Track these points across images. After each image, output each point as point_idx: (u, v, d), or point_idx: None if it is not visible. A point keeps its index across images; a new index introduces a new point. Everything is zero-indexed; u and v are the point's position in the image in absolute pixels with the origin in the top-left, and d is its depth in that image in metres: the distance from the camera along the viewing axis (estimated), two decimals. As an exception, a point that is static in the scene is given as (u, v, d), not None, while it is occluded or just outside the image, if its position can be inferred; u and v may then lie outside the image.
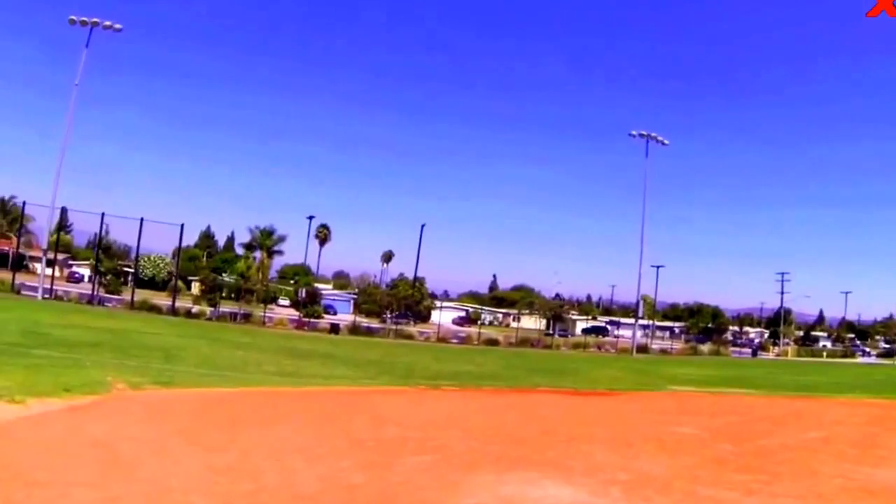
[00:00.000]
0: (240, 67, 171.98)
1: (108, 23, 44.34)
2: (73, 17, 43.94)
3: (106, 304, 44.56)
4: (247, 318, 46.20)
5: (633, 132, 57.34)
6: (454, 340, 50.50)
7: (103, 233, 59.38)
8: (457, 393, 16.24)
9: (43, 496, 5.54)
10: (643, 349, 57.56)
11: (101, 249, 59.12)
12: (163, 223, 49.77)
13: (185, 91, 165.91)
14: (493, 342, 50.67)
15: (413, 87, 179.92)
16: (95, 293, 45.50)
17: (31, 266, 60.71)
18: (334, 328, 46.51)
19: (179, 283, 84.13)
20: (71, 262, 72.35)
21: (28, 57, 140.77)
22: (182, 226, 46.37)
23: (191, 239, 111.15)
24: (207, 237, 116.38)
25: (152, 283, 63.73)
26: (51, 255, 46.83)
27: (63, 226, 71.22)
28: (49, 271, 46.15)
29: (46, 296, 41.87)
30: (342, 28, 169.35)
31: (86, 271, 68.54)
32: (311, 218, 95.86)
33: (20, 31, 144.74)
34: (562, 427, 12.19)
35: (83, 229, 79.38)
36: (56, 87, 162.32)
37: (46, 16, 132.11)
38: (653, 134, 57.07)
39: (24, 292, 41.94)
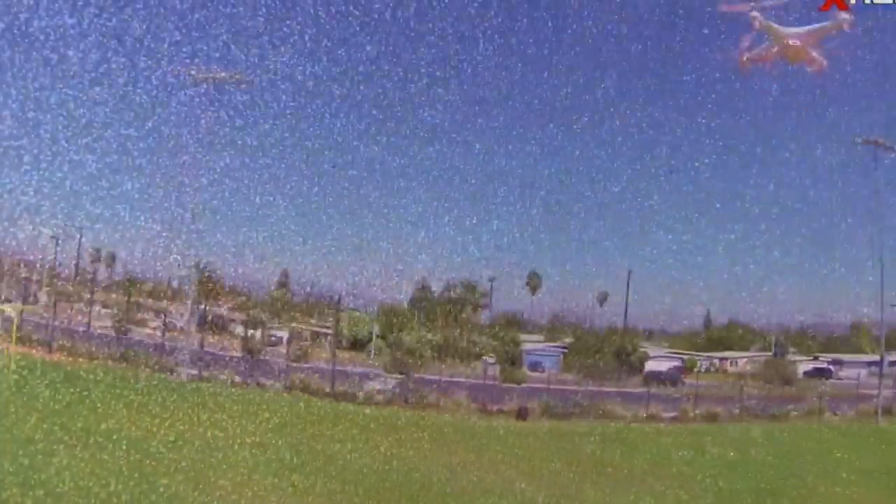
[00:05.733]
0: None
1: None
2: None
3: (262, 380, 36.40)
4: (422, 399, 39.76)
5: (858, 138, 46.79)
6: (665, 416, 44.07)
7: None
8: None
9: None
10: (888, 410, 47.43)
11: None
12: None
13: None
14: (711, 417, 44.53)
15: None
16: (250, 372, 36.84)
17: (231, 328, 58.07)
18: (521, 414, 39.24)
19: (381, 342, 77.70)
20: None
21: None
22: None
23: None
24: (423, 289, 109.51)
25: (353, 345, 59.47)
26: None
27: (282, 282, 70.23)
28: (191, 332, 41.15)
29: (194, 373, 34.75)
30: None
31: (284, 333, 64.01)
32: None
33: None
34: None
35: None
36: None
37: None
38: (880, 140, 46.54)
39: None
